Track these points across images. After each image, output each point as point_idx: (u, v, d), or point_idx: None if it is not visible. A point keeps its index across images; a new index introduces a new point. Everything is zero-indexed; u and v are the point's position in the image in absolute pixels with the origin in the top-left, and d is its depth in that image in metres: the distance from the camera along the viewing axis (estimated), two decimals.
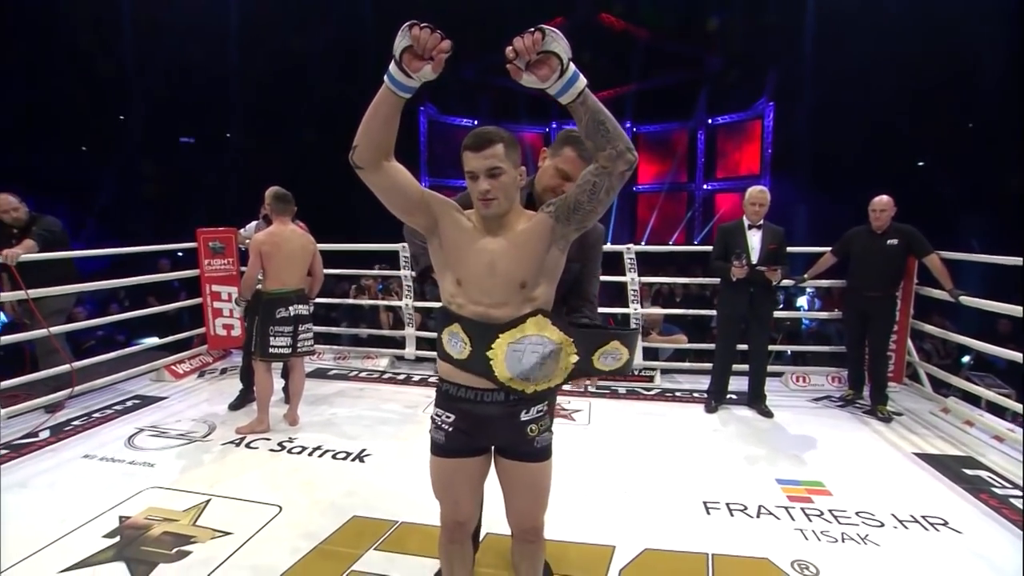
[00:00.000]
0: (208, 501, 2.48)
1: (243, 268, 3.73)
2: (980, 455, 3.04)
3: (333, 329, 5.14)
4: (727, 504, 2.51)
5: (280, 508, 2.44)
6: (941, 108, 10.14)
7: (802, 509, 2.48)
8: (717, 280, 3.74)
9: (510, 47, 1.15)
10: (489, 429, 1.41)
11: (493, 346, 1.34)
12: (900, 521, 2.40)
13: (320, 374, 4.44)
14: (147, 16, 11.21)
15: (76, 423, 3.37)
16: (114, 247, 5.27)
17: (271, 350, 3.21)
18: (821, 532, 2.31)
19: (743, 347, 3.76)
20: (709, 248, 3.72)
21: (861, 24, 10.07)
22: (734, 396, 3.83)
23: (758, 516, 2.43)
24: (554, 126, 15.67)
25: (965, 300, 3.30)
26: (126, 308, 6.97)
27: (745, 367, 3.76)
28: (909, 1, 9.57)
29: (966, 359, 5.40)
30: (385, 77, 1.21)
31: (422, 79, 1.20)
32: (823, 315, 4.28)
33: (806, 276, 3.88)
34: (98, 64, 11.21)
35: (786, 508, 2.49)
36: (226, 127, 14.08)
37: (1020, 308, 3.03)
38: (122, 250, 4.42)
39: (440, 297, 1.49)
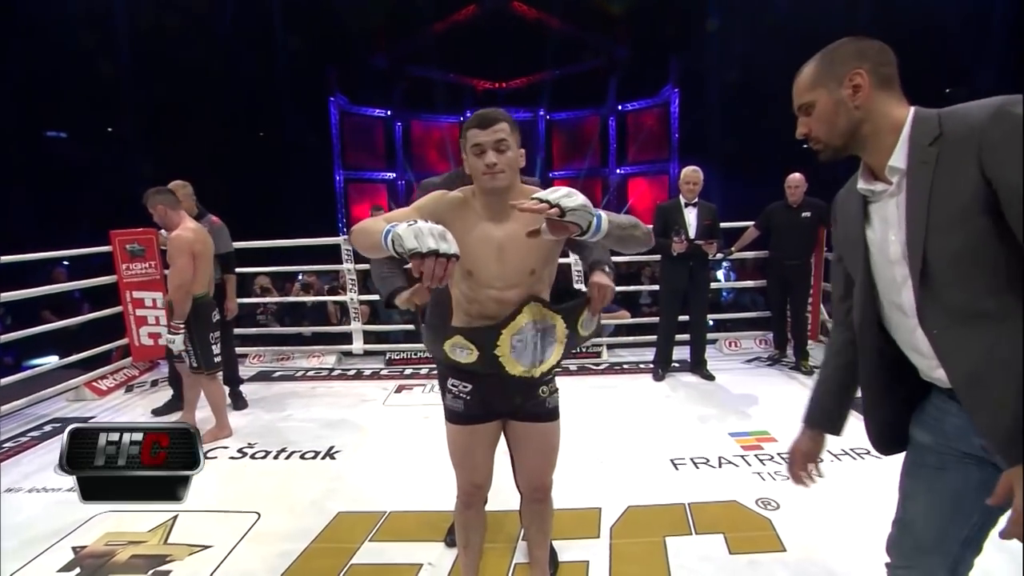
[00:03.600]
0: (175, 517, 2.32)
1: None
2: None
3: (277, 330, 4.86)
4: (691, 459, 2.74)
5: (258, 514, 2.34)
6: None
7: (755, 456, 2.77)
8: (642, 257, 3.99)
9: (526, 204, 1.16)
10: (506, 394, 1.47)
11: (499, 343, 1.37)
12: (834, 455, 2.73)
13: (264, 377, 4.22)
14: None
15: None
16: None
17: (216, 360, 2.97)
18: (775, 473, 2.59)
19: (683, 318, 4.05)
20: None
21: (753, 16, 10.99)
22: (677, 364, 4.13)
23: (720, 466, 2.68)
24: (468, 115, 15.60)
25: None
26: (9, 326, 6.14)
27: (682, 336, 4.06)
28: None
29: None
30: (385, 240, 1.13)
31: None
32: (749, 284, 4.71)
33: (733, 249, 4.24)
34: None
35: (742, 456, 2.76)
36: (107, 120, 12.65)
37: None
38: (16, 258, 3.90)
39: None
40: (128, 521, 2.30)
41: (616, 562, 1.99)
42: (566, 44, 13.84)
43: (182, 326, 2.82)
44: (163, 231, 3.98)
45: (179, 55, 10.91)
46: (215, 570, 1.99)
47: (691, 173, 3.76)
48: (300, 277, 6.56)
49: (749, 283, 4.70)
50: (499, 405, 1.49)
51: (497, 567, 1.97)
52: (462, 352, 1.40)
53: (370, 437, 3.14)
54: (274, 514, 2.34)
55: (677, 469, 2.67)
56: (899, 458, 2.70)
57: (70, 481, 2.64)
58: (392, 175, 14.89)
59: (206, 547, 2.12)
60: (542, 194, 1.17)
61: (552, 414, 1.53)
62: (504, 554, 2.04)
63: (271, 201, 11.76)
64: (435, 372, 4.22)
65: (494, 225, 1.39)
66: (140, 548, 2.13)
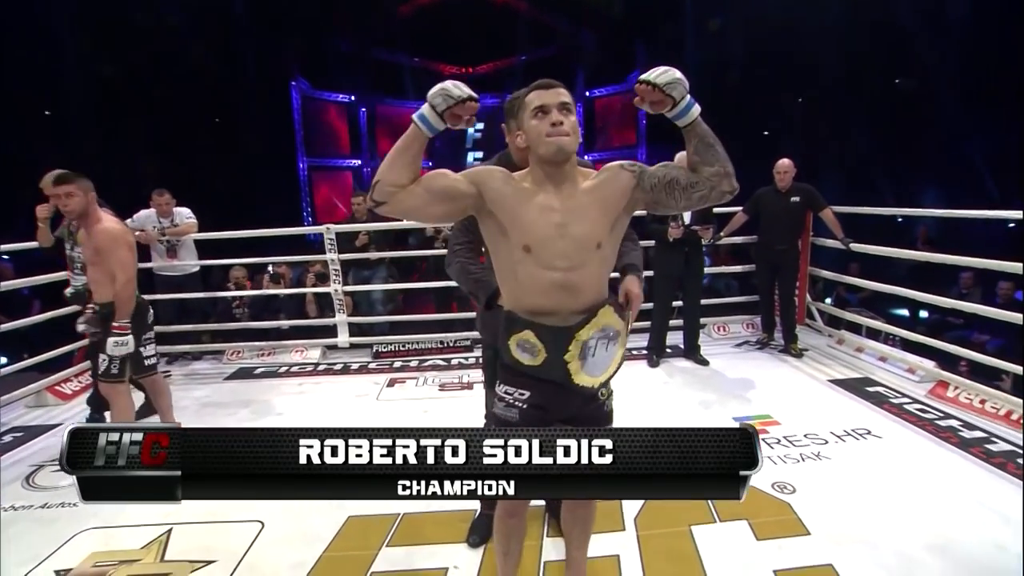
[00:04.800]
0: (169, 531, 2.15)
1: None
2: (872, 375, 3.62)
3: (255, 324, 4.59)
4: None
5: (262, 523, 2.19)
6: (780, 84, 11.63)
7: (762, 440, 2.76)
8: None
9: (637, 86, 1.26)
10: (567, 402, 1.38)
11: (570, 348, 1.30)
12: (837, 436, 2.79)
13: (245, 374, 4.01)
14: None
15: None
16: None
17: (147, 362, 2.68)
18: (785, 456, 2.61)
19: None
20: None
21: (720, 2, 11.13)
22: (669, 350, 4.14)
23: None
24: None
25: (855, 246, 3.87)
26: None
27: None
28: None
29: (828, 300, 6.37)
30: (417, 119, 1.23)
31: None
32: (738, 269, 4.75)
33: (722, 234, 4.26)
34: None
35: None
36: (43, 102, 11.72)
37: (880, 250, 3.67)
38: None
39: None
40: (116, 538, 2.13)
41: (647, 555, 1.96)
42: (533, 29, 13.67)
43: (129, 325, 2.50)
44: (128, 221, 3.74)
45: (124, 32, 10.18)
46: None
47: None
48: (269, 269, 6.27)
49: (737, 268, 4.74)
50: (557, 412, 1.39)
51: (527, 567, 1.90)
52: (525, 352, 1.31)
53: None
54: (279, 522, 2.20)
55: None
56: (899, 436, 2.78)
57: (41, 497, 2.45)
58: (358, 162, 14.44)
59: (209, 562, 1.97)
60: (642, 76, 1.25)
61: (609, 417, 1.46)
62: (532, 552, 1.97)
63: (229, 190, 11.19)
64: (428, 364, 4.12)
65: (554, 197, 1.30)
66: (135, 568, 1.96)
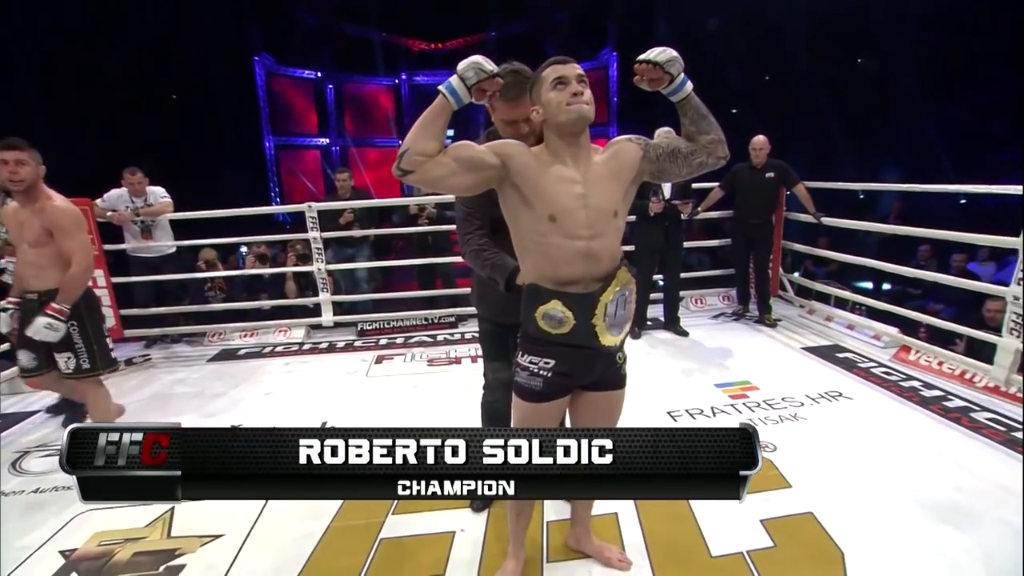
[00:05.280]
0: (172, 508, 2.15)
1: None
2: (841, 342, 3.82)
3: (239, 304, 4.51)
4: (686, 410, 2.87)
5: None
6: (749, 62, 11.82)
7: (743, 404, 2.93)
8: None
9: (637, 65, 1.35)
10: (592, 366, 1.43)
11: (596, 311, 1.34)
12: (812, 399, 2.96)
13: (229, 355, 3.96)
14: None
15: None
16: None
17: (113, 354, 2.55)
18: (765, 418, 2.77)
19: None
20: None
21: None
22: (650, 322, 4.27)
23: (714, 415, 2.82)
24: (403, 77, 14.98)
25: (826, 220, 4.04)
26: None
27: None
28: None
29: (796, 273, 6.63)
30: (445, 91, 1.27)
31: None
32: (713, 243, 4.89)
33: (699, 209, 4.37)
34: None
35: (732, 405, 2.92)
36: None
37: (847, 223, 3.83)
38: None
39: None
40: (118, 518, 2.12)
41: (643, 511, 2.06)
42: (503, 4, 13.47)
43: (67, 310, 2.29)
44: (98, 201, 3.62)
45: (74, 5, 9.57)
46: (235, 559, 1.88)
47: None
48: (243, 250, 6.12)
49: (713, 242, 4.89)
50: (581, 378, 1.44)
51: (530, 526, 1.98)
52: (554, 322, 1.35)
53: (362, 409, 3.05)
54: None
55: (676, 420, 2.78)
56: (867, 397, 2.96)
57: (32, 482, 2.41)
58: (326, 141, 14.08)
59: (217, 536, 2.00)
60: (642, 56, 1.34)
61: (623, 381, 1.52)
62: (535, 512, 2.05)
63: (191, 171, 10.78)
64: (414, 341, 4.15)
65: (572, 169, 1.35)
66: (143, 544, 1.97)
